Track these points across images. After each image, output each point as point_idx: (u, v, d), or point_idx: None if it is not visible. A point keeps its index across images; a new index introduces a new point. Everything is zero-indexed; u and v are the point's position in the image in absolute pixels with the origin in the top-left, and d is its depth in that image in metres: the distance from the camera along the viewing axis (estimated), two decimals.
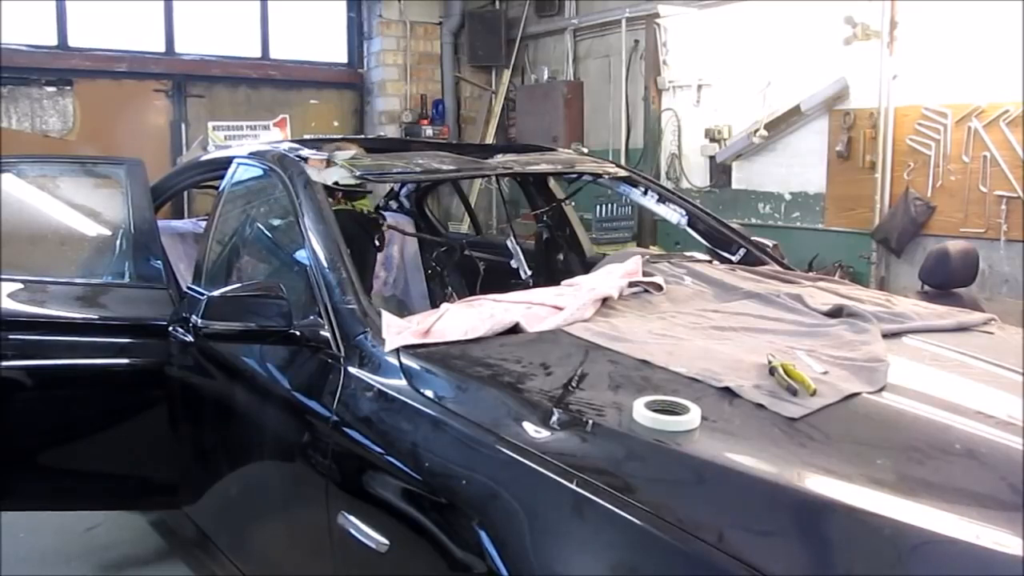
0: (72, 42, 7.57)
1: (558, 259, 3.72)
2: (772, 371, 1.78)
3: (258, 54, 8.42)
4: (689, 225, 3.17)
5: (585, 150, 3.56)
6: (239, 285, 2.31)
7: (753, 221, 6.44)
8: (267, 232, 2.85)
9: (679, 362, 1.87)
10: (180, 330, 2.74)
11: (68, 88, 7.52)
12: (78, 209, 3.29)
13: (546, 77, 8.35)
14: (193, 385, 2.76)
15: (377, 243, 3.51)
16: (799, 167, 6.27)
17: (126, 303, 2.94)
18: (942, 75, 5.32)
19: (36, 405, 2.84)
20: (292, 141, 3.00)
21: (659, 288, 2.51)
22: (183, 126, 8.01)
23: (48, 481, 2.94)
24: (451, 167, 2.87)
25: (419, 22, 8.85)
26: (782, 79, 6.16)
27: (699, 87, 6.92)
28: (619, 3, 7.61)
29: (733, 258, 3.06)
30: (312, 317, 2.23)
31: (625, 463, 1.53)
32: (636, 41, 7.49)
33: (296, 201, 2.50)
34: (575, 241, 3.74)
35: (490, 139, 8.63)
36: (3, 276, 2.88)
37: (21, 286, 2.92)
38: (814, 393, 1.70)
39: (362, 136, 8.10)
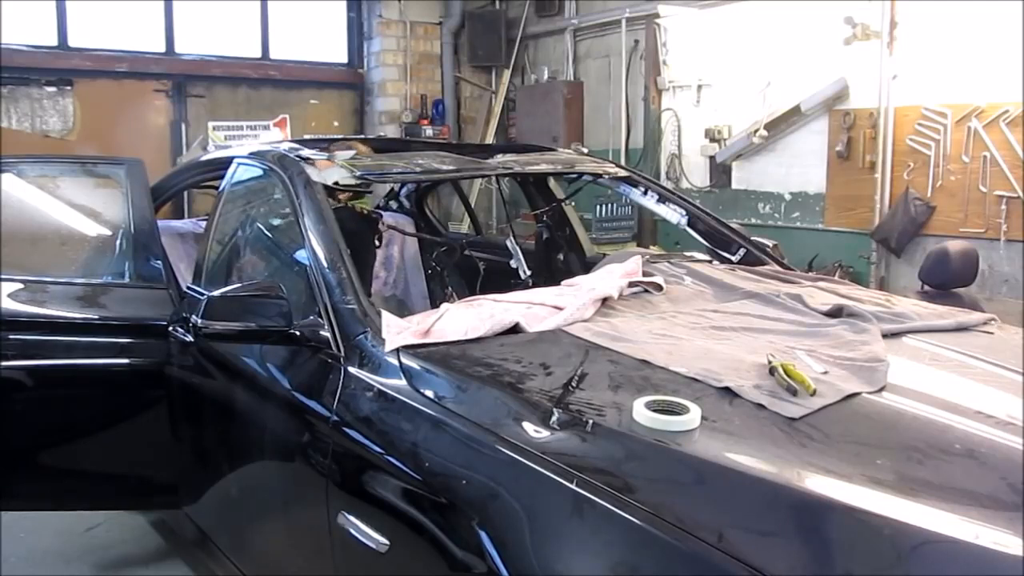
0: (72, 42, 7.57)
1: (558, 259, 3.72)
2: (772, 371, 1.78)
3: (258, 54, 8.42)
4: (689, 225, 3.17)
5: (585, 150, 3.56)
6: (239, 285, 2.31)
7: (753, 221, 6.44)
8: (267, 232, 2.85)
9: (679, 362, 1.87)
10: (180, 330, 2.74)
11: (68, 88, 7.52)
12: (78, 209, 3.28)
13: (546, 77, 8.35)
14: (193, 385, 2.76)
15: (377, 243, 3.51)
16: (799, 167, 6.28)
17: (126, 303, 2.94)
18: (942, 75, 5.33)
19: (36, 405, 2.84)
20: (292, 141, 3.00)
21: (659, 288, 2.51)
22: (183, 126, 8.01)
23: (48, 481, 2.94)
24: (451, 167, 2.87)
25: (419, 22, 8.85)
26: (782, 79, 6.17)
27: (699, 87, 6.92)
28: (619, 3, 7.61)
29: (733, 258, 3.06)
30: (312, 317, 2.23)
31: (625, 463, 1.53)
32: (636, 41, 7.49)
33: (296, 201, 2.51)
34: (575, 241, 3.74)
35: (490, 139, 8.63)
36: (3, 276, 2.88)
37: (21, 286, 2.92)
38: (814, 393, 1.70)
39: (362, 136, 8.09)
